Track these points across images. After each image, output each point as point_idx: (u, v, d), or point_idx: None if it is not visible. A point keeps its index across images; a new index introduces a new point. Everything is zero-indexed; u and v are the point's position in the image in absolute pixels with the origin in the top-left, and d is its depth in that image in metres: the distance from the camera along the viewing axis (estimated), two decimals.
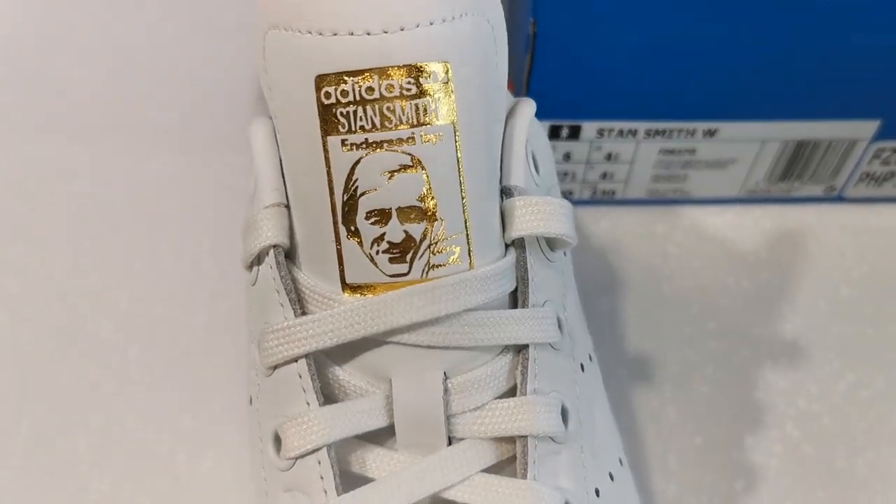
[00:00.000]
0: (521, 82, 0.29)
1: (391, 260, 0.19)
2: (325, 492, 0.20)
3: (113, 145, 0.34)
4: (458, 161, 0.19)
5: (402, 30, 0.18)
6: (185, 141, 0.34)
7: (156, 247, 0.32)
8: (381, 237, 0.19)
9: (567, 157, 0.32)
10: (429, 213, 0.19)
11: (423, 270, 0.20)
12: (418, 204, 0.19)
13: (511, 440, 0.21)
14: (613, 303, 0.31)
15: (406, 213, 0.19)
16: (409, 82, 0.18)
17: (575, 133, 0.31)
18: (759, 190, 0.33)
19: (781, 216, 0.33)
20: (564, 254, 0.23)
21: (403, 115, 0.18)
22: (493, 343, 0.20)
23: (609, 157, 0.32)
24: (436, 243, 0.20)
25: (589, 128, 0.30)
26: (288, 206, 0.21)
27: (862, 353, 0.30)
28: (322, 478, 0.20)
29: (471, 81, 0.19)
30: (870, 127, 0.30)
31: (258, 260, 0.21)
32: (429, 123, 0.19)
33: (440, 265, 0.20)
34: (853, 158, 0.31)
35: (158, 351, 0.30)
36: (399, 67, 0.18)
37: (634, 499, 0.24)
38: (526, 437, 0.20)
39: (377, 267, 0.20)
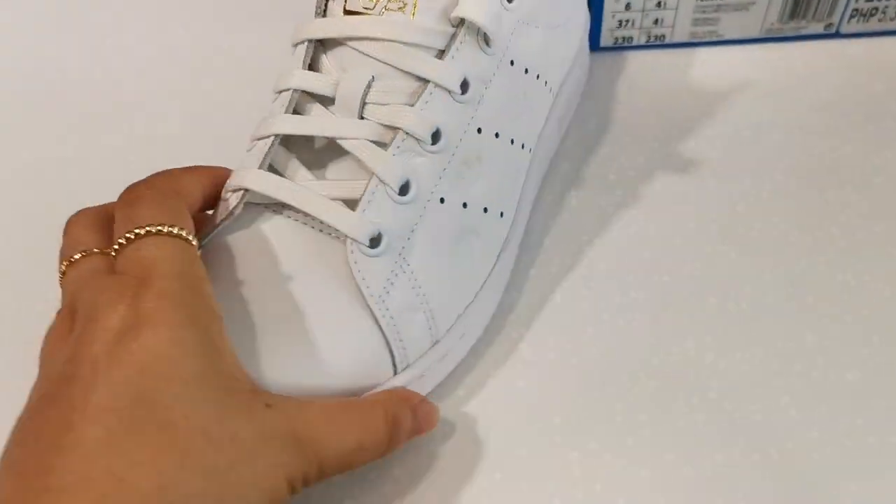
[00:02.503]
0: None
1: (369, 1, 0.31)
2: (284, 112, 0.31)
3: None
4: None
5: None
6: None
7: None
8: None
9: (627, 6, 0.44)
10: None
11: (381, 10, 0.31)
12: None
13: (394, 131, 0.31)
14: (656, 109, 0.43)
15: None
16: None
17: None
18: (774, 29, 0.44)
19: (791, 50, 0.44)
20: (514, 64, 0.33)
21: None
22: (404, 68, 0.31)
23: (658, 4, 0.44)
24: None
25: None
26: None
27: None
28: (283, 106, 0.32)
29: None
30: None
31: None
32: None
33: (392, 10, 0.31)
34: None
35: None
36: None
37: None
38: (400, 129, 0.31)
39: (360, 4, 0.31)
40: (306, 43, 0.32)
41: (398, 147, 0.31)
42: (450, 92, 0.31)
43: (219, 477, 0.24)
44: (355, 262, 0.30)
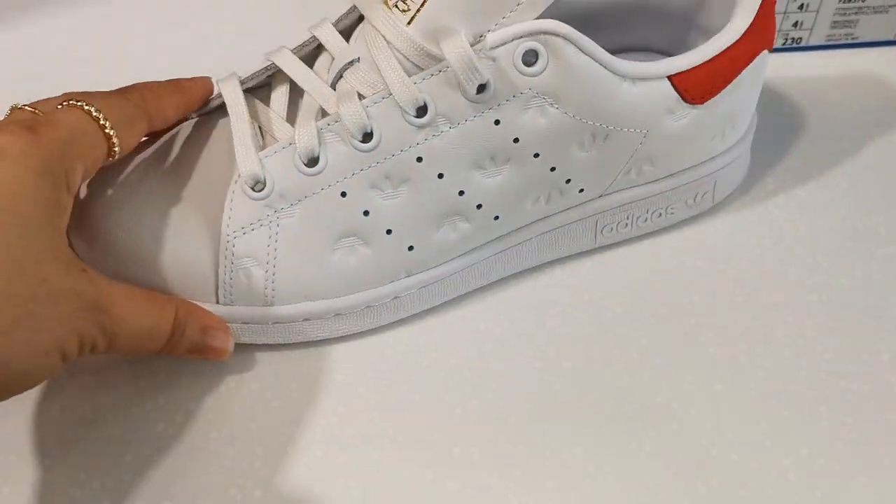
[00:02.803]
0: None
1: None
2: (292, 50, 0.34)
3: None
4: None
5: None
6: None
7: None
8: None
9: None
10: None
11: (395, 3, 0.31)
12: None
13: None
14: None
15: None
16: None
17: None
18: None
19: None
20: (499, 124, 0.32)
21: None
22: (378, 65, 0.31)
23: (801, 7, 0.44)
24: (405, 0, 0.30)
25: None
26: None
27: None
28: (298, 45, 0.34)
29: None
30: None
31: None
32: None
33: (401, 8, 0.30)
34: None
35: None
36: None
37: None
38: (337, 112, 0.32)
39: None
40: (352, 6, 0.33)
41: (327, 125, 0.32)
42: (401, 108, 0.31)
43: (17, 305, 0.25)
44: (233, 192, 0.32)
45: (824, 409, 0.33)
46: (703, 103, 0.33)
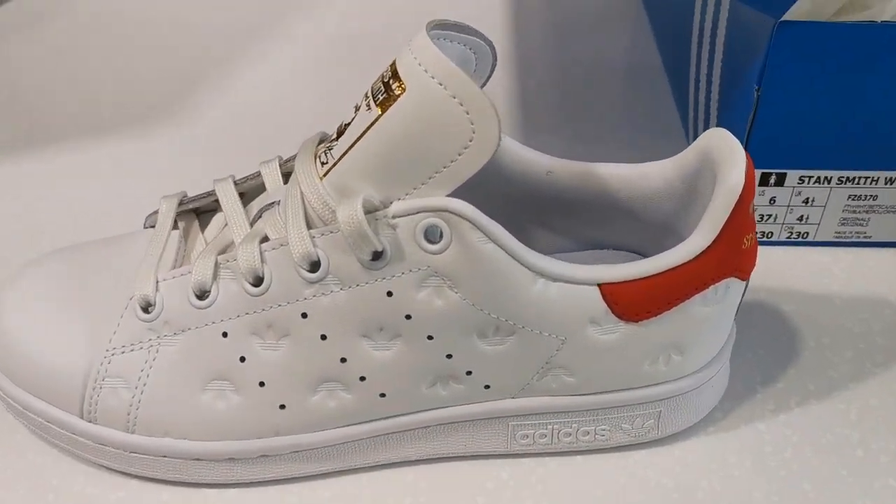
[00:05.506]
0: (743, 135, 0.39)
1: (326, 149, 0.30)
2: (233, 179, 0.34)
3: None
4: (364, 136, 0.28)
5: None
6: None
7: None
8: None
9: (772, 200, 0.41)
10: (341, 132, 0.29)
11: (324, 151, 0.30)
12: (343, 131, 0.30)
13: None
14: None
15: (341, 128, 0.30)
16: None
17: (780, 180, 0.40)
18: None
19: None
20: (391, 296, 0.29)
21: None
22: (287, 215, 0.30)
23: (806, 201, 0.41)
24: (329, 150, 0.30)
25: (792, 175, 0.40)
26: None
27: None
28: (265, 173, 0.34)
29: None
30: None
31: None
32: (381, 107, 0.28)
33: (321, 160, 0.30)
34: None
35: None
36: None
37: None
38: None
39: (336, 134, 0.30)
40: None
41: (226, 261, 0.31)
42: (295, 259, 0.29)
43: None
44: (125, 309, 0.32)
45: None
46: (637, 321, 0.30)
